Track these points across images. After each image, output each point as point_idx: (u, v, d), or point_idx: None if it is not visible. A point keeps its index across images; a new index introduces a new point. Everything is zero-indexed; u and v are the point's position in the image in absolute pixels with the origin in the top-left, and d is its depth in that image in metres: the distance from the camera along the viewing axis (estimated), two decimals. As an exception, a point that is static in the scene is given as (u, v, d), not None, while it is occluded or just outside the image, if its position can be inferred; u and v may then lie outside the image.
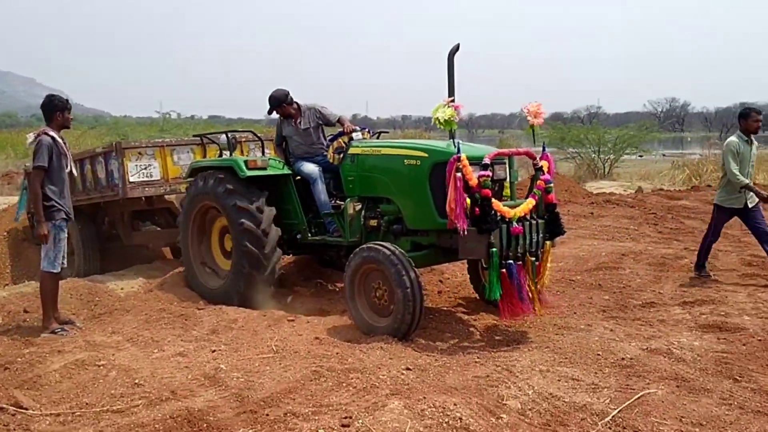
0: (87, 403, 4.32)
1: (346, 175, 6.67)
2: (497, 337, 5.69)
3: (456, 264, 7.91)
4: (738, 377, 4.48)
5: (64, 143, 6.37)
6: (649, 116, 57.57)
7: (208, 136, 8.68)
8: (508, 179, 5.95)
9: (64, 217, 6.27)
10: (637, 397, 4.15)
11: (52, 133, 6.23)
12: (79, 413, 4.18)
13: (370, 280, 5.81)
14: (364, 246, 5.84)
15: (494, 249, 5.26)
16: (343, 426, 3.76)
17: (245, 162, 6.99)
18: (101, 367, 4.98)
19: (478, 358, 5.09)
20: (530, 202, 5.59)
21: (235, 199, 6.85)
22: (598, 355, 4.98)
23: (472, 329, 5.96)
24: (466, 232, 5.31)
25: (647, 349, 5.09)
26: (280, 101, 7.36)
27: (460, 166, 5.30)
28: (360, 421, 3.80)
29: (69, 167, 6.38)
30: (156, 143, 8.99)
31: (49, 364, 5.13)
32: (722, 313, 5.96)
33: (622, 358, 4.87)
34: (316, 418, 3.92)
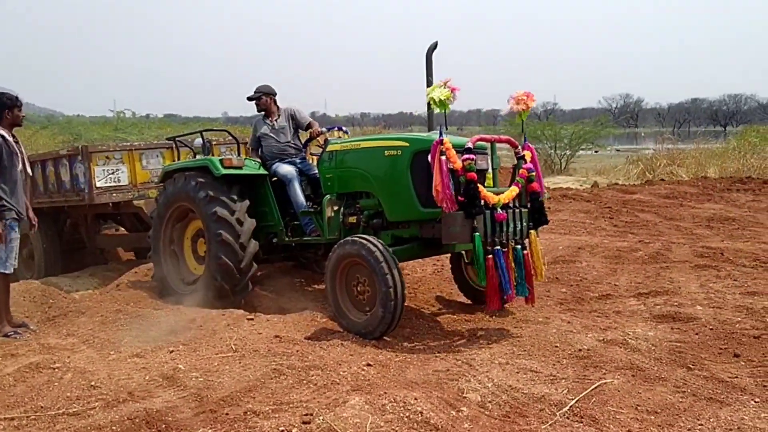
0: (42, 407, 4.22)
1: (324, 173, 6.57)
2: (457, 332, 5.73)
3: (417, 261, 7.95)
4: (691, 366, 4.58)
5: (16, 141, 6.22)
6: (604, 112, 58.43)
7: (181, 139, 8.44)
8: (489, 169, 5.95)
9: (15, 216, 6.13)
10: (594, 387, 4.22)
11: (2, 131, 6.08)
12: (34, 417, 4.09)
13: (352, 274, 5.74)
14: (349, 238, 5.73)
15: (477, 234, 5.25)
16: (304, 423, 3.75)
17: (220, 161, 6.88)
18: (56, 370, 4.88)
19: (438, 352, 5.12)
20: (514, 190, 5.58)
21: (207, 191, 6.71)
22: (556, 347, 5.05)
23: (431, 324, 5.99)
24: (448, 215, 5.27)
25: (603, 340, 5.17)
26: (269, 91, 7.37)
27: (444, 149, 5.27)
28: (321, 417, 3.79)
29: (21, 166, 6.23)
30: (124, 147, 8.74)
31: (2, 368, 5.01)
32: (676, 304, 6.09)
33: (579, 350, 4.94)
34: (277, 416, 3.90)
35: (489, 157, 5.92)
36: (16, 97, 6.29)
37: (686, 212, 11.84)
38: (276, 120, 7.41)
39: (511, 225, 5.52)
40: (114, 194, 8.39)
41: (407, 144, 5.90)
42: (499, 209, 5.41)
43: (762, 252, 8.15)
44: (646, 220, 11.28)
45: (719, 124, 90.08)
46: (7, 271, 6.12)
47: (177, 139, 8.36)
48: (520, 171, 5.73)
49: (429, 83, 5.95)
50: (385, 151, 6.03)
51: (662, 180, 17.16)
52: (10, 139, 6.13)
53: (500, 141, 6.02)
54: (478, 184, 5.29)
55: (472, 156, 5.30)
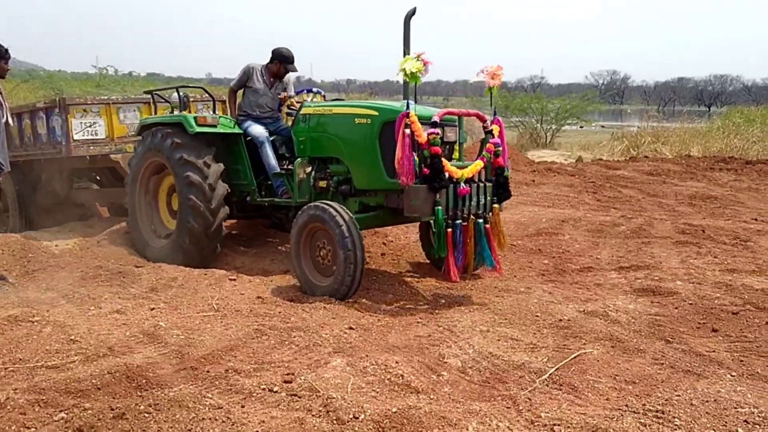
0: (20, 359, 4.19)
1: (297, 136, 6.59)
2: (439, 299, 5.75)
3: (400, 227, 7.96)
4: (669, 339, 4.63)
5: (0, 93, 6.10)
6: (591, 88, 58.42)
7: (159, 93, 8.37)
8: (457, 141, 5.96)
9: (-2, 167, 6.04)
10: (573, 356, 4.25)
11: (-15, 82, 5.96)
12: (12, 368, 4.06)
13: (316, 240, 5.79)
14: (312, 204, 5.81)
15: (439, 208, 5.29)
16: (286, 382, 3.75)
17: (194, 118, 6.83)
18: (35, 323, 4.83)
19: (420, 318, 5.14)
20: (478, 164, 5.61)
21: (182, 153, 6.68)
22: (537, 316, 5.08)
23: (414, 291, 6.00)
24: (410, 188, 5.31)
25: (584, 311, 5.21)
26: (289, 59, 7.21)
27: (409, 123, 5.28)
28: (303, 377, 3.80)
29: (5, 117, 6.12)
30: (102, 100, 8.63)
31: (-20, 320, 4.95)
32: (656, 278, 6.14)
33: (560, 320, 4.98)
34: (258, 374, 3.90)
35: (457, 129, 5.93)
36: (6, 49, 6.15)
37: (669, 189, 11.92)
38: (276, 86, 7.31)
39: (474, 199, 5.57)
40: (91, 147, 8.32)
41: (377, 113, 5.91)
42: (462, 184, 5.44)
43: (742, 230, 8.23)
44: (629, 196, 11.33)
45: (704, 104, 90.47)
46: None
47: (155, 92, 8.27)
48: (487, 146, 5.75)
49: (406, 51, 5.92)
50: (355, 119, 6.05)
51: (646, 157, 17.23)
52: (-6, 89, 6.01)
53: (468, 115, 6.06)
54: (442, 159, 5.32)
55: (437, 130, 5.31)
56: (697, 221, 8.89)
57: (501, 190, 5.78)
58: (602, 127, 31.63)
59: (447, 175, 5.32)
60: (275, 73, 7.28)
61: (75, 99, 8.57)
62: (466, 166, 5.55)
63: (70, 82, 31.78)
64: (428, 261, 6.91)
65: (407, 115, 5.30)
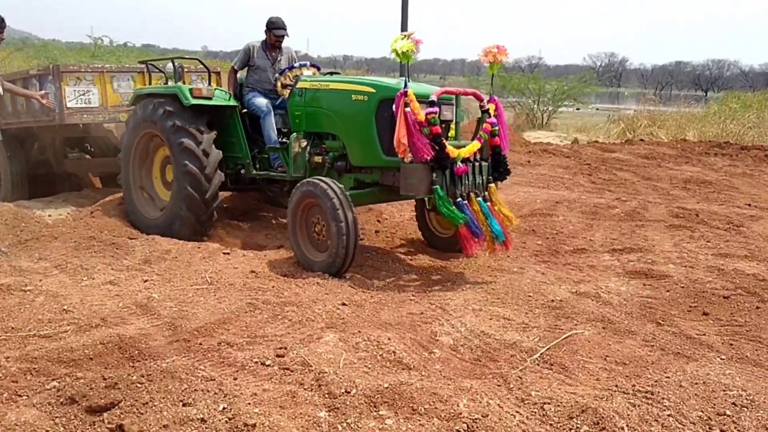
0: (13, 327, 4.19)
1: (293, 110, 6.56)
2: (432, 277, 5.76)
3: (394, 204, 7.95)
4: (660, 321, 4.65)
5: (-7, 61, 6.04)
6: (588, 70, 58.23)
7: (153, 63, 8.27)
8: (453, 120, 5.94)
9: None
10: (565, 336, 4.28)
11: (-22, 49, 5.89)
12: (4, 337, 4.06)
13: (311, 215, 5.79)
14: (306, 180, 5.80)
15: (437, 186, 5.30)
16: (278, 356, 3.76)
17: (190, 90, 6.77)
18: (28, 293, 4.83)
19: (413, 296, 5.15)
20: (476, 144, 5.62)
21: (175, 120, 6.64)
22: (529, 296, 5.10)
23: (407, 268, 6.01)
24: (407, 167, 5.34)
25: (576, 292, 5.24)
26: (281, 27, 7.15)
27: (408, 101, 5.26)
28: (295, 351, 3.81)
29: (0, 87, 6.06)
30: (96, 68, 8.58)
31: (-28, 288, 4.94)
32: (649, 261, 6.17)
33: (552, 300, 5.00)
34: (251, 348, 3.92)
35: (454, 107, 5.92)
36: (2, 19, 6.08)
37: (664, 173, 11.92)
38: (279, 60, 7.26)
39: (471, 178, 5.59)
40: (84, 116, 8.27)
41: (374, 90, 5.89)
42: (459, 163, 5.43)
43: (735, 215, 8.25)
44: (623, 179, 11.34)
45: (701, 88, 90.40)
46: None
47: (149, 63, 8.17)
48: (484, 125, 5.74)
49: (404, 29, 5.91)
50: (352, 95, 6.03)
51: (642, 140, 17.21)
52: (-13, 57, 5.94)
53: (466, 94, 6.05)
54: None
55: (435, 109, 5.32)
56: (691, 205, 8.91)
57: (500, 169, 5.79)
58: (597, 109, 31.55)
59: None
60: (272, 44, 7.22)
61: (69, 66, 8.51)
62: (464, 146, 5.54)
63: (64, 52, 31.46)
64: (423, 239, 6.92)
65: (405, 94, 5.28)
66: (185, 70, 8.28)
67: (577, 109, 27.39)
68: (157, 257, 5.98)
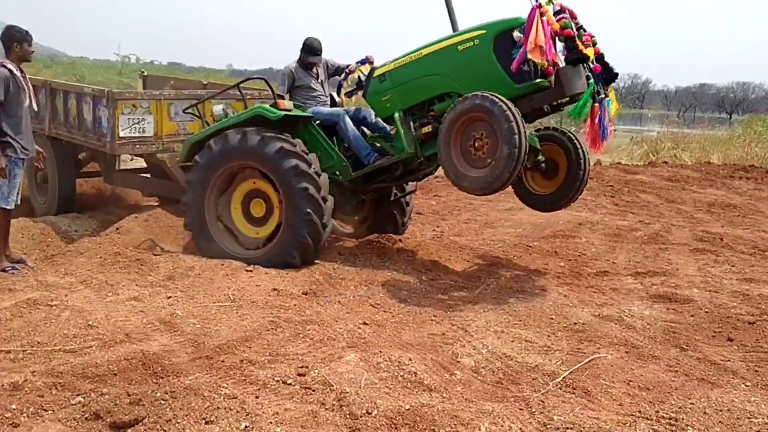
0: (39, 342, 4.25)
1: (378, 97, 6.62)
2: (454, 298, 5.75)
3: (416, 223, 7.96)
4: (684, 346, 4.61)
5: (24, 77, 6.15)
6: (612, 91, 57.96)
7: (203, 101, 7.66)
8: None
9: (20, 154, 6.09)
10: (587, 360, 4.25)
11: (10, 65, 6.00)
12: (30, 351, 4.12)
13: (472, 129, 5.78)
14: (478, 93, 5.71)
15: (591, 81, 5.75)
16: (300, 375, 3.78)
17: (272, 105, 6.58)
18: (53, 308, 4.89)
19: (434, 316, 5.15)
20: (593, 50, 5.90)
21: (278, 144, 6.26)
22: (552, 319, 5.08)
23: (429, 289, 6.01)
24: (564, 70, 5.82)
25: (599, 315, 5.20)
26: (316, 53, 7.12)
27: (543, 11, 5.58)
28: (316, 371, 3.82)
29: (28, 102, 6.17)
30: (153, 96, 8.12)
31: (0, 302, 5.02)
32: (673, 285, 6.11)
33: (575, 323, 4.97)
34: (273, 366, 3.94)
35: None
36: (27, 31, 6.19)
37: (688, 196, 11.82)
38: (318, 73, 7.25)
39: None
40: (137, 146, 7.92)
41: (484, 31, 6.07)
42: (592, 62, 5.86)
43: (761, 240, 8.16)
44: (647, 201, 11.26)
45: (725, 111, 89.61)
46: (8, 207, 6.09)
47: (239, 86, 7.32)
48: (584, 36, 5.94)
49: (452, 25, 6.46)
50: (459, 47, 6.17)
51: (665, 162, 17.07)
52: (18, 73, 6.05)
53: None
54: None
55: (565, 15, 5.73)
56: (715, 229, 8.82)
57: (608, 72, 6.07)
58: (616, 131, 31.43)
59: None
60: (313, 65, 7.20)
61: (124, 94, 8.15)
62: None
63: (92, 69, 32.04)
64: (440, 259, 6.91)
65: (540, 6, 5.60)
66: (248, 96, 7.87)
67: (600, 130, 27.27)
68: (181, 274, 6.02)
